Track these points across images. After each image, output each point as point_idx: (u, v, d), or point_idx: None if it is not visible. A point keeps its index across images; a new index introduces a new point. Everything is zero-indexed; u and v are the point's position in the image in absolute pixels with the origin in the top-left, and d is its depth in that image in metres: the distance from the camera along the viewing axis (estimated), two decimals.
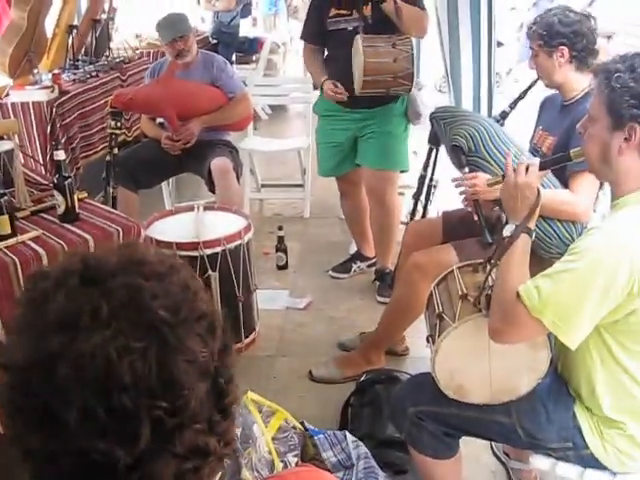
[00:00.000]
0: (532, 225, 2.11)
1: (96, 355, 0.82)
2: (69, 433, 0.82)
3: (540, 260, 2.66)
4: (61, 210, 2.94)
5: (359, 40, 3.83)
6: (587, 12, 3.11)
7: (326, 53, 4.30)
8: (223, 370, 0.94)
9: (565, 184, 2.89)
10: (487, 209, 2.96)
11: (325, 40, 4.22)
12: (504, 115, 3.39)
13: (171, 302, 0.89)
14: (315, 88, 4.34)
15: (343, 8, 4.06)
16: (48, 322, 0.85)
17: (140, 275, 0.91)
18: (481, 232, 2.90)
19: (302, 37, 4.42)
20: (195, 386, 0.88)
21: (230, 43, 9.24)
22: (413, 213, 4.06)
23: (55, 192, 2.94)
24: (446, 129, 3.15)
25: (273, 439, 2.54)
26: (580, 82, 3.01)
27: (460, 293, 2.25)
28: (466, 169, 2.98)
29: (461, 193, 2.99)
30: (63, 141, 4.96)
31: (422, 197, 3.91)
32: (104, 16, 6.36)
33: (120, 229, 2.88)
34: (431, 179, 3.88)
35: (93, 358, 0.82)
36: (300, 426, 2.67)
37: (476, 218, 2.95)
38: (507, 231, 2.12)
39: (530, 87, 3.36)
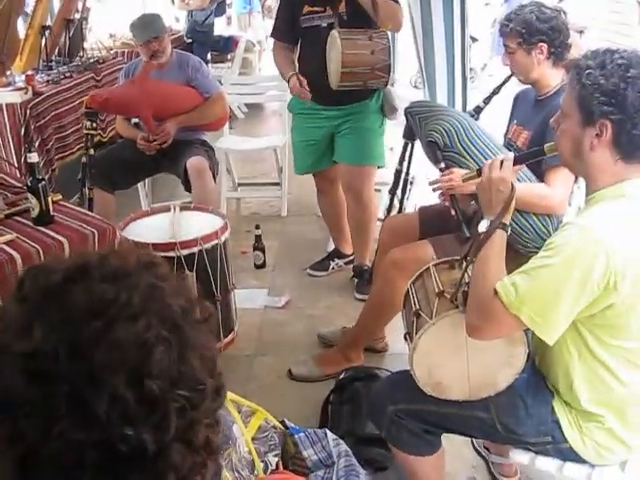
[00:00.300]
0: (507, 220, 2.11)
1: (133, 342, 0.85)
2: (98, 421, 0.82)
3: (517, 254, 2.68)
4: (35, 213, 2.91)
5: (336, 33, 3.82)
6: (559, 7, 3.12)
7: (299, 51, 4.28)
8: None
9: (541, 178, 2.91)
10: (464, 203, 2.97)
11: (297, 38, 4.20)
12: (478, 110, 3.40)
13: (185, 302, 0.94)
14: None
15: (316, 5, 4.04)
16: (76, 310, 0.86)
17: (154, 276, 0.94)
18: (459, 227, 2.90)
19: (272, 35, 4.40)
20: (207, 381, 0.92)
21: (205, 42, 9.21)
22: (390, 209, 4.06)
23: (29, 195, 2.92)
24: (421, 124, 3.15)
25: (253, 439, 2.53)
26: (554, 77, 3.02)
27: (437, 290, 2.25)
28: (442, 164, 2.99)
29: (437, 189, 2.99)
30: (38, 143, 4.94)
31: (398, 192, 3.90)
32: (77, 16, 6.31)
33: (95, 231, 2.86)
34: (407, 173, 3.88)
35: (131, 345, 0.85)
36: (280, 425, 2.66)
37: (453, 213, 2.95)
38: (482, 227, 2.12)
39: (504, 83, 3.36)
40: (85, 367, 0.83)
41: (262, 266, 4.80)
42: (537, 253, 2.03)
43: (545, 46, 2.97)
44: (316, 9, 4.04)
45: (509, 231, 2.12)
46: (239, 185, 6.12)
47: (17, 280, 0.93)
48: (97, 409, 0.82)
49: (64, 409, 0.82)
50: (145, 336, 0.86)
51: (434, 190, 3.00)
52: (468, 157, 2.95)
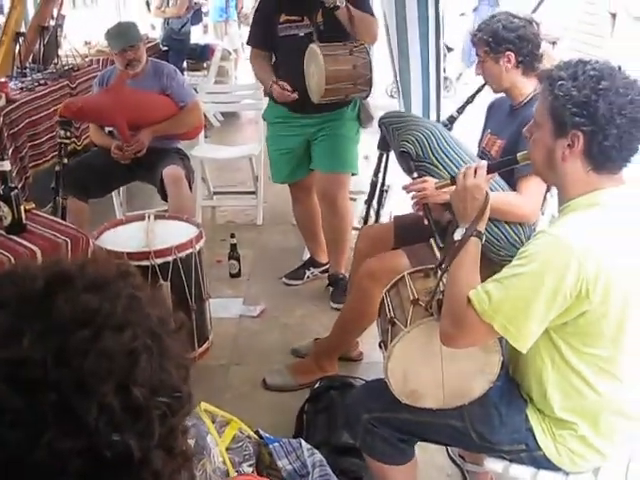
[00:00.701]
0: (482, 228, 2.12)
1: (121, 351, 0.87)
2: (86, 429, 0.83)
3: (490, 263, 2.68)
4: (7, 221, 2.89)
5: (317, 49, 3.81)
6: (530, 17, 3.15)
7: (275, 59, 4.28)
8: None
9: (513, 187, 2.92)
10: (438, 213, 2.98)
11: (274, 46, 4.20)
12: (452, 120, 3.43)
13: (161, 311, 0.97)
14: (265, 95, 4.33)
15: (294, 14, 4.05)
16: (62, 319, 0.86)
17: (131, 285, 0.96)
18: (432, 236, 2.91)
19: (249, 43, 4.40)
20: (183, 389, 0.94)
21: (181, 50, 9.20)
22: (366, 219, 4.07)
23: (1, 203, 2.89)
24: (395, 134, 3.16)
25: (227, 449, 2.52)
26: (527, 86, 3.06)
27: (411, 298, 2.26)
28: (415, 174, 3.00)
29: (411, 196, 3.00)
30: (11, 150, 4.90)
31: (374, 203, 3.92)
32: (52, 23, 6.27)
33: (68, 240, 2.85)
34: (382, 184, 3.89)
35: (119, 354, 0.86)
36: (255, 435, 2.65)
37: (427, 222, 2.96)
38: (457, 235, 2.13)
39: (477, 92, 3.40)
40: (74, 375, 0.83)
41: (237, 275, 4.78)
42: (510, 261, 2.04)
43: (512, 55, 3.01)
44: (293, 18, 4.05)
45: (484, 239, 2.13)
46: (215, 193, 6.10)
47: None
48: (86, 417, 0.83)
49: (51, 418, 0.82)
50: (132, 345, 0.88)
51: (407, 192, 3.01)
52: (441, 167, 2.96)
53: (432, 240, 2.90)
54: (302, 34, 4.03)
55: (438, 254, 2.68)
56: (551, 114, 1.96)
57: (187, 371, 0.97)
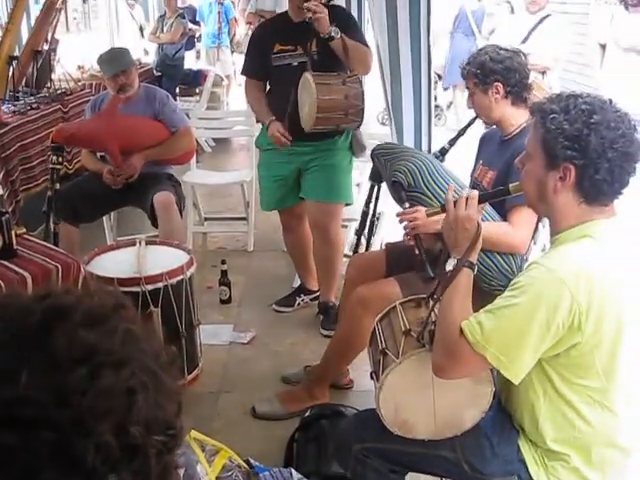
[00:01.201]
0: (474, 258, 2.13)
1: (120, 390, 0.85)
2: (83, 468, 0.81)
3: (481, 292, 2.68)
4: None
5: (310, 77, 3.84)
6: (517, 49, 3.19)
7: (269, 88, 4.30)
8: None
9: (504, 217, 2.94)
10: (429, 243, 2.99)
11: (267, 75, 4.23)
12: (443, 152, 3.45)
13: (154, 346, 0.95)
14: (258, 121, 4.35)
15: (288, 44, 4.08)
16: (61, 356, 0.85)
17: (126, 319, 0.94)
18: (422, 267, 2.91)
19: (243, 72, 4.43)
20: (177, 425, 0.92)
21: (174, 75, 9.26)
22: (356, 248, 4.07)
23: None
24: (387, 165, 3.18)
25: (217, 478, 2.49)
26: (517, 117, 3.08)
27: (403, 329, 2.25)
28: (406, 204, 3.01)
29: (403, 224, 3.01)
30: (2, 174, 4.89)
31: (365, 232, 3.92)
32: (46, 47, 6.29)
33: (59, 266, 2.83)
34: (373, 215, 3.91)
35: (118, 393, 0.85)
36: (245, 464, 2.62)
37: (417, 252, 2.97)
38: (449, 265, 2.13)
39: (469, 125, 3.43)
40: (72, 415, 0.82)
41: (228, 301, 4.76)
42: (502, 291, 2.04)
43: (500, 85, 3.04)
44: (287, 48, 4.08)
45: (475, 269, 2.13)
46: (205, 219, 6.09)
47: None
48: (83, 457, 0.81)
49: (48, 457, 0.81)
50: (130, 383, 0.86)
51: (400, 222, 3.02)
52: (432, 197, 2.97)
53: (423, 270, 2.91)
54: (296, 63, 4.06)
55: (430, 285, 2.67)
56: (543, 147, 1.98)
57: (180, 406, 0.95)
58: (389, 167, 3.12)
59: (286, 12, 4.29)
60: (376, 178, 3.63)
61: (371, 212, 3.86)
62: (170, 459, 0.91)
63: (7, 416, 0.81)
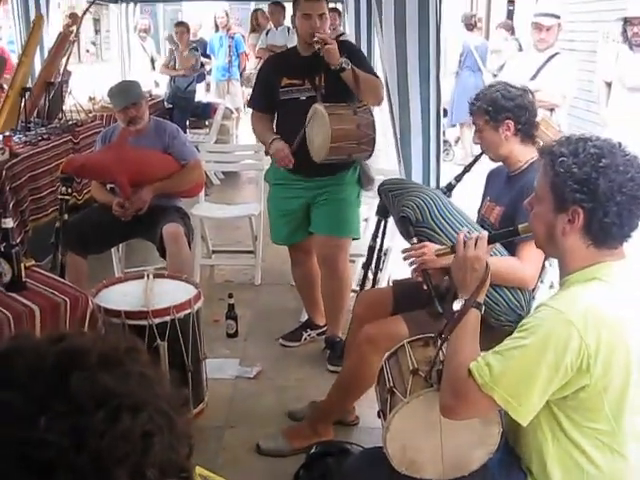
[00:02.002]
0: (481, 299, 2.13)
1: (138, 433, 0.87)
2: None
3: (489, 328, 2.68)
4: (7, 279, 2.88)
5: (321, 108, 3.87)
6: (525, 87, 3.22)
7: (276, 122, 4.33)
8: None
9: (512, 251, 2.94)
10: (437, 279, 2.99)
11: (274, 108, 4.26)
12: (450, 187, 3.46)
13: (167, 389, 0.98)
14: (267, 154, 4.37)
15: (295, 78, 4.11)
16: (79, 400, 0.86)
17: (140, 363, 0.96)
18: (431, 302, 2.91)
19: (250, 105, 4.46)
20: (189, 468, 0.96)
21: (186, 108, 9.33)
22: (363, 283, 4.06)
23: (1, 260, 2.89)
24: (394, 201, 3.19)
25: None
26: (524, 154, 3.10)
27: (411, 368, 2.25)
28: (414, 239, 3.01)
29: (409, 260, 3.01)
30: (12, 204, 4.91)
31: (372, 266, 3.92)
32: (58, 79, 6.35)
33: (67, 300, 2.83)
34: (380, 250, 3.91)
35: (136, 436, 0.86)
36: None
37: (425, 288, 2.96)
38: (457, 305, 2.13)
39: (475, 161, 3.44)
40: (91, 458, 0.83)
41: (234, 335, 4.75)
42: (510, 327, 2.04)
43: (511, 123, 3.07)
44: (295, 82, 4.11)
45: (483, 310, 2.13)
46: (213, 252, 6.11)
47: (3, 357, 0.91)
48: None
49: None
50: (147, 427, 0.88)
51: (405, 259, 3.02)
52: (440, 232, 2.98)
53: (431, 306, 2.90)
54: (303, 97, 4.09)
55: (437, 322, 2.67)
56: (552, 189, 1.99)
57: (191, 449, 0.97)
58: (397, 203, 3.13)
59: (295, 47, 4.34)
60: (383, 213, 3.63)
61: (378, 247, 3.86)
62: None
63: (24, 457, 0.81)
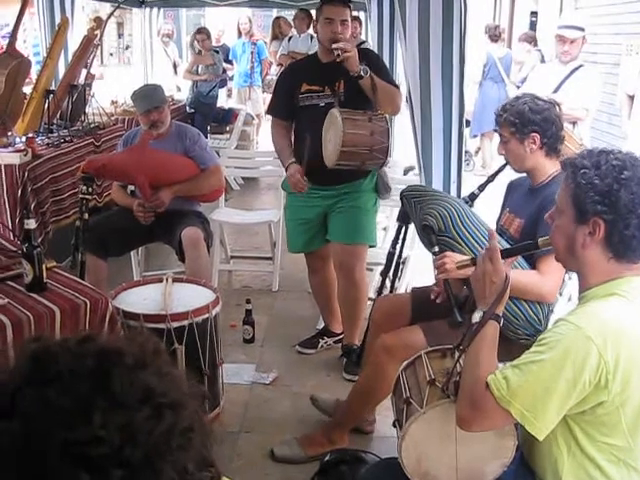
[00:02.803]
0: (500, 311, 2.12)
1: (180, 430, 0.91)
2: None
3: (506, 340, 2.68)
4: (28, 279, 2.90)
5: (336, 112, 3.88)
6: (553, 100, 3.20)
7: (294, 128, 4.35)
8: None
9: (532, 264, 2.93)
10: (457, 288, 2.99)
11: (294, 115, 4.27)
12: (473, 197, 3.45)
13: (191, 388, 1.02)
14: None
15: (315, 84, 4.13)
16: (124, 397, 0.89)
17: (165, 363, 1.00)
18: (451, 311, 2.91)
19: (269, 112, 4.48)
20: (215, 464, 1.01)
21: (207, 113, 9.37)
22: (381, 289, 4.05)
23: (23, 261, 2.91)
24: (416, 208, 3.19)
25: None
26: (548, 167, 3.09)
27: (428, 378, 2.25)
28: (436, 248, 3.01)
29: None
30: (33, 205, 4.94)
31: (390, 273, 3.90)
32: (81, 82, 6.39)
33: (87, 301, 2.84)
34: (399, 256, 3.89)
35: (178, 432, 0.91)
36: None
37: (447, 296, 2.97)
38: (476, 317, 2.13)
39: (499, 171, 3.43)
40: (141, 453, 0.86)
41: (251, 341, 4.76)
42: (527, 340, 2.02)
43: (537, 136, 3.05)
44: (314, 88, 4.13)
45: (502, 322, 2.13)
46: (232, 257, 6.13)
47: (33, 362, 0.93)
48: None
49: None
50: (186, 423, 0.92)
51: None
52: (462, 243, 2.98)
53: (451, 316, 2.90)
54: (322, 104, 4.11)
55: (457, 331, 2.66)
56: (573, 201, 1.99)
57: (212, 445, 1.01)
58: (419, 210, 3.13)
59: (315, 53, 4.36)
60: (404, 220, 3.61)
61: (397, 253, 3.84)
62: None
63: (83, 456, 0.84)
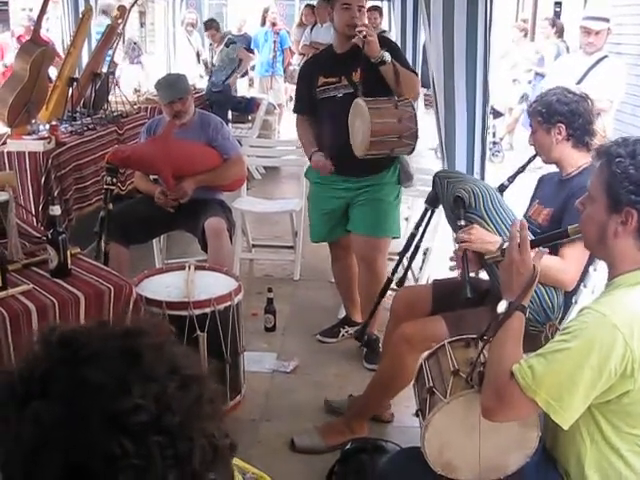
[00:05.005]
0: (526, 302, 2.11)
1: (206, 399, 0.98)
2: (190, 469, 0.92)
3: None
4: (53, 265, 2.92)
5: (362, 103, 3.85)
6: (585, 94, 3.19)
7: (316, 121, 4.34)
8: None
9: (555, 253, 2.92)
10: (473, 266, 2.98)
11: (315, 109, 4.27)
12: (502, 188, 3.42)
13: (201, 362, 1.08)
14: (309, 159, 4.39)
15: (331, 76, 4.13)
16: (151, 370, 0.95)
17: (176, 343, 1.04)
18: (462, 286, 2.89)
19: (295, 110, 4.48)
20: (230, 434, 1.03)
21: (224, 103, 9.33)
22: (396, 269, 3.94)
23: (48, 247, 2.93)
24: (449, 186, 3.18)
25: None
26: (577, 159, 3.09)
27: (452, 369, 2.25)
28: (462, 222, 3.01)
29: (457, 242, 3.01)
30: (57, 192, 4.97)
31: (408, 254, 3.82)
32: (105, 70, 6.42)
33: (112, 287, 2.86)
34: (420, 240, 3.82)
35: (205, 401, 0.97)
36: None
37: (460, 270, 2.96)
38: (501, 307, 2.12)
39: (529, 162, 3.42)
40: (178, 420, 0.92)
41: (272, 329, 4.78)
42: (535, 329, 1.99)
43: (563, 127, 3.07)
44: (331, 80, 4.13)
45: (527, 313, 2.12)
46: (253, 246, 6.15)
47: (63, 346, 0.96)
48: (189, 458, 0.91)
49: (159, 459, 0.89)
50: (209, 394, 0.99)
51: (455, 239, 3.02)
52: (490, 223, 2.98)
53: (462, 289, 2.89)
54: (340, 95, 4.10)
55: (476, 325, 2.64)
56: (606, 190, 1.97)
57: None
58: (451, 187, 3.12)
59: (331, 45, 4.34)
60: (432, 202, 3.55)
61: (418, 237, 3.77)
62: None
63: (125, 426, 0.89)
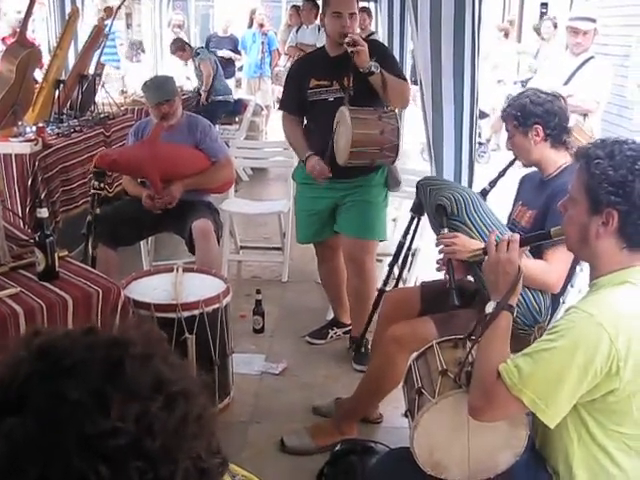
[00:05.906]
0: (514, 302, 2.12)
1: (192, 418, 0.92)
2: None
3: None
4: (41, 268, 2.91)
5: (346, 111, 3.86)
6: (557, 93, 3.22)
7: (305, 122, 4.35)
8: None
9: (539, 256, 2.93)
10: (460, 273, 2.99)
11: (304, 110, 4.26)
12: (484, 193, 3.43)
13: (194, 374, 1.02)
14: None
15: (323, 79, 4.11)
16: (137, 387, 0.89)
17: (168, 351, 1.00)
18: (449, 294, 2.90)
19: (281, 107, 4.47)
20: (222, 450, 1.00)
21: (214, 115, 9.25)
22: (387, 279, 4.01)
23: (36, 249, 2.91)
24: (431, 193, 3.19)
25: None
26: (556, 159, 3.11)
27: (440, 369, 2.25)
28: (445, 229, 3.01)
29: (439, 251, 3.01)
30: (44, 195, 4.95)
31: (398, 263, 3.88)
32: (91, 72, 6.40)
33: (100, 290, 2.85)
34: (409, 248, 3.88)
35: (191, 420, 0.92)
36: None
37: (447, 277, 2.97)
38: (489, 308, 2.13)
39: (509, 166, 3.42)
40: (159, 443, 0.86)
41: (261, 331, 4.77)
42: (523, 332, 2.01)
43: (540, 128, 3.07)
44: (323, 83, 4.11)
45: (515, 312, 2.13)
46: (241, 248, 6.14)
47: (41, 356, 0.91)
48: None
49: None
50: (197, 411, 0.93)
51: (437, 245, 3.02)
52: (473, 229, 2.98)
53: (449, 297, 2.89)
54: (332, 99, 4.09)
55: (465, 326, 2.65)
56: (587, 192, 1.98)
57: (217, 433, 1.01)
58: (434, 195, 3.13)
59: (324, 47, 4.32)
60: (417, 210, 3.59)
61: (407, 244, 3.82)
62: None
63: (101, 449, 0.83)
